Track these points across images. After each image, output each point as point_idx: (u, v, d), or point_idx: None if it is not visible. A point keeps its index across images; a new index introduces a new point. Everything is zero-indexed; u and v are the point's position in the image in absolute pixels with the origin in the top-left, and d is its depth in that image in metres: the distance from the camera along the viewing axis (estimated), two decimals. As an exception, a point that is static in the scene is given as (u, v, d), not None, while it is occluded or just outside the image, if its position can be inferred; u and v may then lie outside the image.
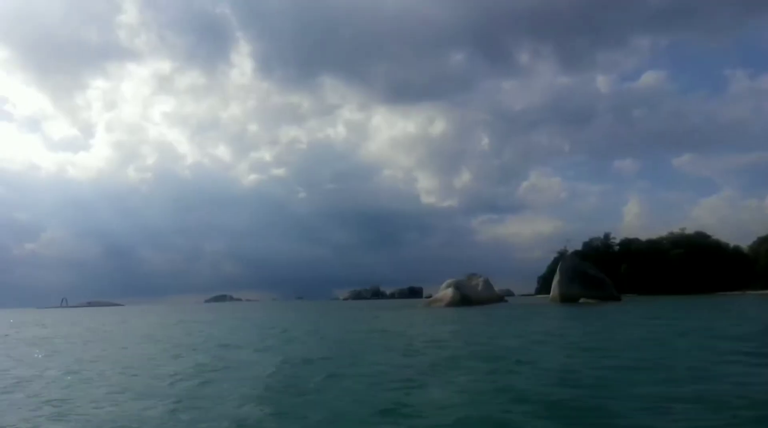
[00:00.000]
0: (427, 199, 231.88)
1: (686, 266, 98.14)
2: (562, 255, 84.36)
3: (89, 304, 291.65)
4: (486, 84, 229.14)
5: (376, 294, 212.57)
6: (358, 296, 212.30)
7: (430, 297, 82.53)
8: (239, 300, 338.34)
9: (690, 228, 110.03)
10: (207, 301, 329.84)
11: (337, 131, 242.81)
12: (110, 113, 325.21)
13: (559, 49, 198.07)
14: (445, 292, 66.99)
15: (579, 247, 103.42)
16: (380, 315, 50.29)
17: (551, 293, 74.01)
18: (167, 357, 18.42)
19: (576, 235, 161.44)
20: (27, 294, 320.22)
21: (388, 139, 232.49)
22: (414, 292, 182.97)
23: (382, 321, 38.56)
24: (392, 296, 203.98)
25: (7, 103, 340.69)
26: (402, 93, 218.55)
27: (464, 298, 65.12)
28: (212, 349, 20.49)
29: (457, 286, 67.12)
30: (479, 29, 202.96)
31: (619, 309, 47.65)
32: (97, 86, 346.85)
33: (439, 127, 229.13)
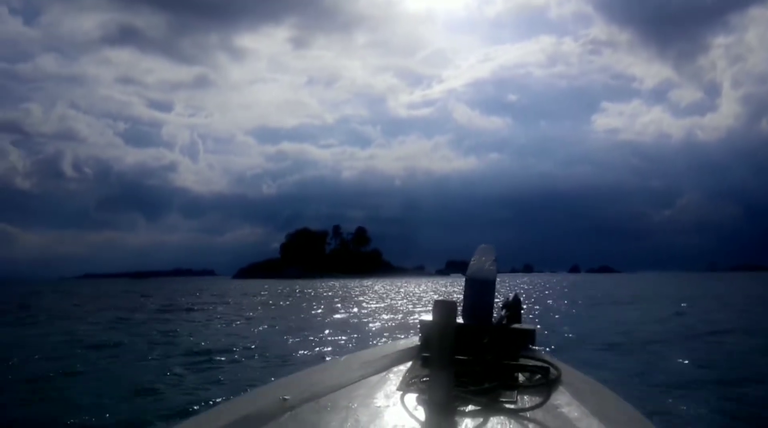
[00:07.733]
0: None
1: None
2: None
3: (735, 268, 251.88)
4: None
5: None
6: None
7: None
8: None
9: None
10: None
11: None
12: (735, 68, 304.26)
13: None
14: None
15: None
16: None
17: None
18: None
19: None
20: (670, 258, 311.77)
21: None
22: None
23: None
24: None
25: (634, 81, 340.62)
26: None
27: None
28: None
29: None
30: None
31: None
32: (719, 43, 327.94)
33: None
